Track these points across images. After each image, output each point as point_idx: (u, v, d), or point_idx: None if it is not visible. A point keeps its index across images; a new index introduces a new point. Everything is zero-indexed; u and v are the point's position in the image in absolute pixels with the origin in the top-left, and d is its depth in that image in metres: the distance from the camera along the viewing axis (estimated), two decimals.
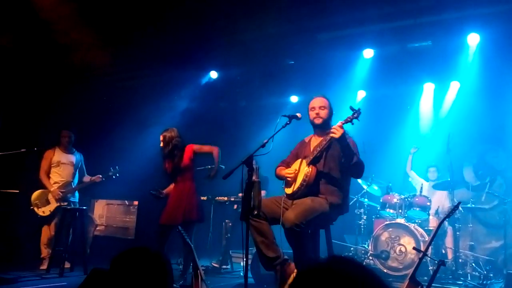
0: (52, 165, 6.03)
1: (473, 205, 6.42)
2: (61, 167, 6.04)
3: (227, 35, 6.99)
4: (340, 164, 3.77)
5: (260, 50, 7.13)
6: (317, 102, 3.93)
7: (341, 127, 3.57)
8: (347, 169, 3.75)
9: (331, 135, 3.54)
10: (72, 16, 6.28)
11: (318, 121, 3.89)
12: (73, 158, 6.17)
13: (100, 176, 6.15)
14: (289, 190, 3.81)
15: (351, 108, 3.58)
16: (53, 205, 5.86)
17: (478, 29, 6.29)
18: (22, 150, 5.64)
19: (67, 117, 7.06)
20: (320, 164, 3.77)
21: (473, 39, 6.42)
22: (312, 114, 3.93)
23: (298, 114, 3.81)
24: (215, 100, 8.77)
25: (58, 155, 6.08)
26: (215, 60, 7.67)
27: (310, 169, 3.69)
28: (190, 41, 7.11)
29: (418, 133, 7.70)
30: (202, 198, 6.37)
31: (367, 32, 6.59)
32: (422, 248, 4.96)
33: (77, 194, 6.24)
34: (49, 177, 5.99)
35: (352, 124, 3.60)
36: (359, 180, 6.60)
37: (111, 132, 7.76)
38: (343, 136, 3.54)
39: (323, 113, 3.90)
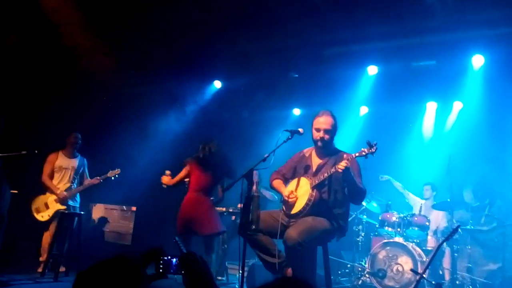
0: (54, 170, 6.01)
1: (472, 227, 6.38)
2: (62, 172, 6.02)
3: (232, 46, 7.03)
4: (344, 186, 3.78)
5: (265, 62, 7.16)
6: (323, 123, 3.82)
7: (352, 159, 3.53)
8: (348, 197, 3.76)
9: (338, 169, 3.49)
10: (79, 21, 6.32)
11: (321, 143, 3.85)
12: (75, 162, 6.13)
13: (98, 177, 6.10)
14: (289, 210, 3.79)
15: (368, 143, 3.49)
16: (52, 209, 5.85)
17: (482, 50, 6.32)
18: (23, 152, 5.63)
19: (70, 121, 7.07)
20: (325, 188, 3.76)
21: (478, 61, 6.44)
22: (316, 134, 3.85)
23: (300, 130, 3.82)
24: (218, 110, 8.78)
25: (60, 160, 6.06)
26: (220, 70, 7.70)
27: (314, 193, 3.68)
28: (195, 50, 7.15)
29: (419, 151, 7.69)
30: None
31: (371, 49, 6.63)
32: (420, 269, 4.94)
33: (78, 198, 6.19)
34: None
35: (366, 158, 3.53)
36: None
37: (112, 137, 7.77)
38: (348, 171, 3.50)
39: (328, 136, 3.83)
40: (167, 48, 7.17)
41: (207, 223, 5.07)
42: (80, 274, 1.47)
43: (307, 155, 4.04)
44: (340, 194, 3.78)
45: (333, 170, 3.59)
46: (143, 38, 6.88)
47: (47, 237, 5.84)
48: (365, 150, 3.50)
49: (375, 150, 3.47)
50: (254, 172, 3.65)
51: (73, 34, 6.49)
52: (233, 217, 6.53)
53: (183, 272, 1.62)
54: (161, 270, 1.66)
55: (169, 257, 1.67)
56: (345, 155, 3.64)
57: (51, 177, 6.00)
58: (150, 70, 7.85)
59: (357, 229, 6.63)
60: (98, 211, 7.55)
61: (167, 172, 5.35)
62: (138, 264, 1.55)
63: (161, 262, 1.66)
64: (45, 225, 5.90)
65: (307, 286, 1.18)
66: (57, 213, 5.84)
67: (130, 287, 1.45)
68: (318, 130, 3.83)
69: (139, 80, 8.38)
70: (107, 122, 7.98)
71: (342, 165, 3.45)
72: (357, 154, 3.55)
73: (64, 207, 5.87)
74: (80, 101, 7.36)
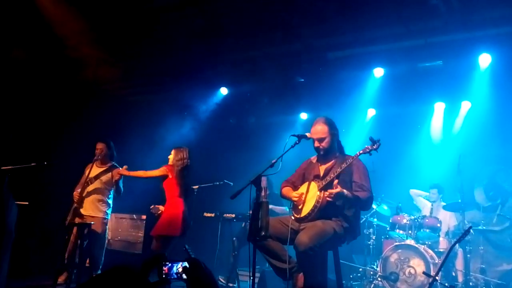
0: (87, 180, 5.81)
1: (484, 227, 6.33)
2: (92, 182, 5.82)
3: (238, 52, 7.05)
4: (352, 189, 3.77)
5: (270, 68, 7.16)
6: (315, 133, 3.88)
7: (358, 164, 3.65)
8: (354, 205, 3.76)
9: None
10: (84, 32, 6.37)
11: (320, 152, 3.91)
12: (99, 171, 5.89)
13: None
14: (298, 214, 3.79)
15: (371, 139, 3.54)
16: (71, 212, 5.76)
17: (489, 49, 6.27)
18: (32, 164, 5.65)
19: (79, 131, 7.10)
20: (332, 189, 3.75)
21: (485, 60, 6.39)
22: (315, 144, 3.92)
23: (308, 134, 3.86)
24: (225, 116, 8.79)
25: (92, 170, 5.88)
26: (225, 76, 7.73)
27: (322, 194, 3.68)
28: (200, 57, 7.18)
29: (428, 152, 7.64)
30: (209, 214, 6.41)
31: (377, 51, 6.62)
32: (432, 271, 4.90)
33: (110, 210, 6.01)
34: (83, 192, 5.80)
35: (370, 155, 3.57)
36: None
37: (121, 145, 7.79)
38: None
39: (324, 144, 3.87)
40: (173, 56, 7.20)
41: None
42: (80, 286, 1.46)
43: (314, 161, 4.09)
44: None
45: (338, 169, 3.63)
46: (149, 46, 6.92)
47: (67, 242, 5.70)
48: (369, 147, 3.56)
49: (378, 146, 3.52)
50: (263, 178, 3.66)
51: (79, 45, 6.54)
52: (243, 224, 6.52)
53: (185, 278, 1.61)
54: (163, 277, 1.65)
55: (171, 263, 1.67)
56: (348, 158, 3.69)
57: (85, 187, 5.82)
58: (156, 78, 7.89)
59: (368, 233, 6.59)
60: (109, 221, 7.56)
61: (125, 166, 5.80)
62: (139, 273, 1.55)
63: (163, 268, 1.66)
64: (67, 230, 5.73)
65: None
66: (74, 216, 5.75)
67: None
68: (313, 140, 3.91)
69: (146, 88, 8.43)
70: (115, 130, 8.01)
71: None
72: (361, 152, 3.60)
73: (75, 205, 5.72)
74: (88, 111, 7.41)
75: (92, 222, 5.70)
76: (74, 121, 7.25)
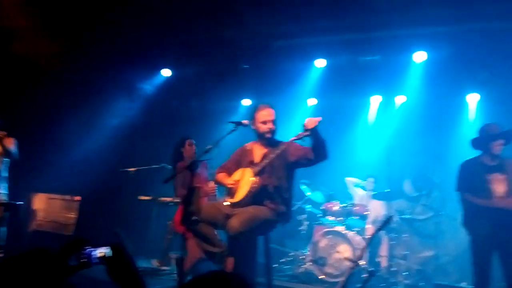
0: None
1: (409, 216, 6.70)
2: None
3: (182, 34, 6.95)
4: (288, 173, 3.88)
5: (214, 52, 7.13)
6: (268, 115, 3.95)
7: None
8: (314, 155, 3.79)
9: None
10: (20, 3, 6.05)
11: (270, 135, 3.97)
12: None
13: None
14: (232, 199, 3.86)
15: (304, 126, 3.63)
16: None
17: (425, 47, 6.55)
18: None
19: (8, 108, 6.76)
20: (267, 174, 3.85)
21: (420, 57, 6.67)
22: (263, 127, 3.95)
23: (245, 121, 3.92)
24: (166, 99, 8.68)
25: None
26: (169, 58, 7.60)
27: (257, 180, 3.75)
28: (144, 37, 7.01)
29: (362, 143, 7.93)
30: (145, 198, 6.34)
31: (320, 42, 6.74)
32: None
33: (5, 185, 5.55)
34: None
35: (303, 141, 3.68)
36: (303, 187, 6.75)
37: (57, 125, 7.51)
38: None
39: (275, 126, 3.97)
40: (115, 35, 6.98)
41: None
42: None
43: (249, 148, 4.15)
44: (283, 181, 3.90)
45: (272, 155, 3.76)
46: (91, 24, 6.66)
47: None
48: (302, 133, 3.66)
49: (311, 132, 3.61)
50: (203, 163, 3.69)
51: (12, 14, 6.19)
52: None
53: (105, 262, 1.62)
54: (83, 261, 1.64)
55: (92, 248, 1.66)
56: (282, 144, 3.80)
57: None
58: (97, 57, 7.61)
59: (301, 219, 6.78)
60: (39, 200, 7.27)
61: None
62: (58, 255, 1.53)
63: (84, 252, 1.65)
64: None
65: (239, 282, 1.22)
66: None
67: (49, 278, 1.43)
68: (265, 122, 3.95)
69: (86, 66, 8.12)
70: (51, 109, 7.69)
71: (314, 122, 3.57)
72: (294, 138, 3.72)
73: None
74: (20, 87, 7.05)
75: (21, 203, 5.48)
76: (5, 98, 6.88)
